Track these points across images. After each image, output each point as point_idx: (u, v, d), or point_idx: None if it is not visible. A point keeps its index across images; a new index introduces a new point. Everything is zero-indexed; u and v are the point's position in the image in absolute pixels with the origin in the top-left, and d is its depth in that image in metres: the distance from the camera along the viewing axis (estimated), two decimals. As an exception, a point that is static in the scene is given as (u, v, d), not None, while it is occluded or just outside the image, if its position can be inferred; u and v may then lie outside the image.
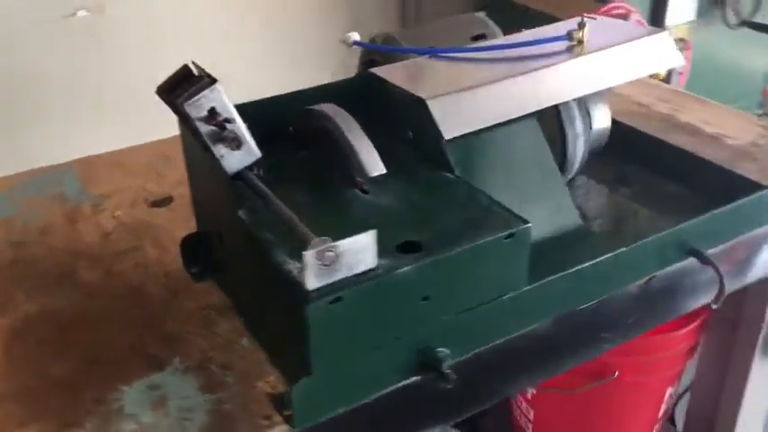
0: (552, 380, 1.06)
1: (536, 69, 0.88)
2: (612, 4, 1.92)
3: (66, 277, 0.89)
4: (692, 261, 0.87)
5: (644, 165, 1.05)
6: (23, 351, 0.78)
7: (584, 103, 0.96)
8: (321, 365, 0.65)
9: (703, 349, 1.35)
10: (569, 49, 0.93)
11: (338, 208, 0.78)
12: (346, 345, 0.66)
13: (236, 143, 0.74)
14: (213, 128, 0.73)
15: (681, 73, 2.10)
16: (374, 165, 0.77)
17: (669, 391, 1.46)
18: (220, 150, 0.74)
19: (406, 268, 0.66)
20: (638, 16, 1.96)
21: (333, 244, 0.62)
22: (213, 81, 0.73)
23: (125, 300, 0.85)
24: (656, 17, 2.16)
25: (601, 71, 0.91)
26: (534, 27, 1.00)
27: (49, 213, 1.02)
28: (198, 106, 0.72)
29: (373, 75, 0.90)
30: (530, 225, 0.72)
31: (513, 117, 0.85)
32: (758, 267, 1.00)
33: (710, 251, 0.88)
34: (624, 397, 1.41)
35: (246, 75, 1.75)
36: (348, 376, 0.68)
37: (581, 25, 0.93)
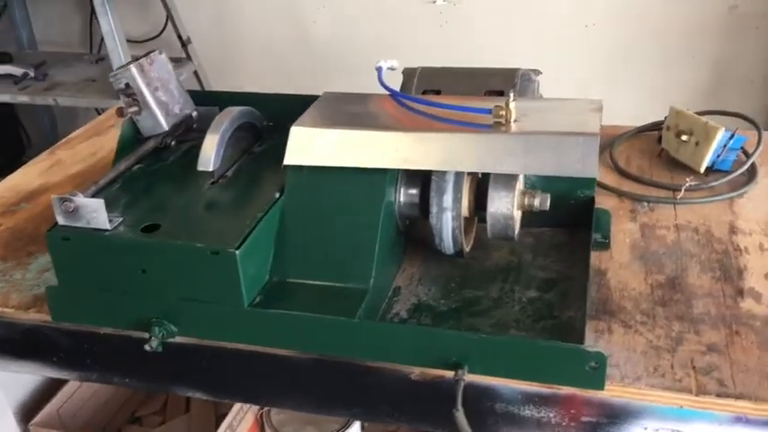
0: None
1: (425, 131, 0.88)
2: None
3: None
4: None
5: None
6: None
7: (474, 181, 0.89)
8: (64, 281, 0.88)
9: None
10: (488, 125, 0.88)
11: (178, 189, 0.95)
12: (80, 275, 0.87)
13: (140, 112, 0.98)
14: (127, 98, 0.98)
15: None
16: (205, 161, 0.92)
17: None
18: (134, 115, 0.99)
19: (124, 240, 0.83)
20: None
21: (70, 197, 0.84)
22: (134, 62, 0.97)
23: None
24: None
25: (489, 154, 0.85)
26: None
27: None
28: (116, 81, 0.98)
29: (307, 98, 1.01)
30: (234, 252, 0.80)
31: (363, 167, 0.87)
32: None
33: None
34: None
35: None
36: (88, 302, 0.89)
37: (506, 104, 0.87)
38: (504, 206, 0.89)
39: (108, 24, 2.15)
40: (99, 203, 0.84)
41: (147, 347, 0.86)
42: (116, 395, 1.51)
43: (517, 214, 0.94)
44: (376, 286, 0.87)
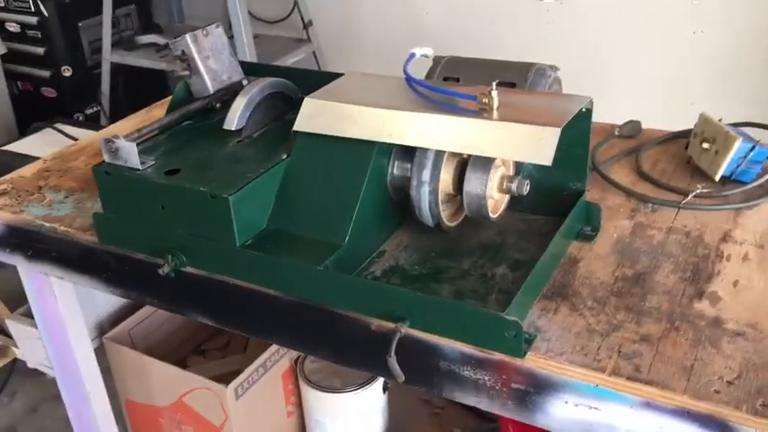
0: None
1: (411, 111, 0.97)
2: None
3: None
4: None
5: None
6: None
7: (460, 161, 0.97)
8: (107, 209, 1.07)
9: None
10: (474, 110, 0.96)
11: (209, 144, 1.10)
12: (118, 205, 1.05)
13: (191, 76, 1.15)
14: (182, 63, 1.15)
15: None
16: (230, 121, 1.07)
17: None
18: (186, 78, 1.16)
19: (148, 179, 1.00)
20: None
21: (113, 139, 1.01)
22: (190, 33, 1.14)
23: None
24: None
25: (464, 137, 0.93)
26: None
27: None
28: (174, 47, 1.14)
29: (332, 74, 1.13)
30: (228, 198, 0.94)
31: (359, 138, 0.98)
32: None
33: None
34: None
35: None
36: (124, 229, 1.06)
37: (489, 93, 0.94)
38: (479, 186, 0.97)
39: (234, 5, 2.37)
40: (132, 146, 1.00)
41: (160, 271, 1.02)
42: (184, 327, 1.71)
43: (499, 196, 1.01)
44: (353, 244, 0.97)
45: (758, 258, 0.99)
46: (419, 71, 1.18)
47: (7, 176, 1.35)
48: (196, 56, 1.14)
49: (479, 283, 0.97)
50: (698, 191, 1.13)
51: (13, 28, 2.87)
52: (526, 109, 0.97)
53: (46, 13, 2.76)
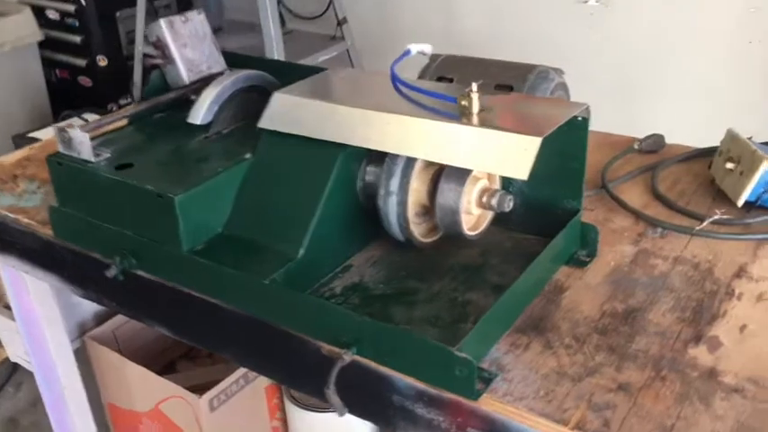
0: None
1: (385, 112, 0.87)
2: None
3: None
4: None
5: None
6: None
7: (437, 171, 0.86)
8: (60, 202, 1.00)
9: None
10: (455, 114, 0.85)
11: (174, 139, 1.02)
12: (71, 199, 0.98)
13: (166, 63, 1.07)
14: (157, 50, 1.07)
15: None
16: (195, 114, 0.99)
17: None
18: (162, 67, 1.08)
19: (97, 172, 0.93)
20: None
21: (66, 128, 0.94)
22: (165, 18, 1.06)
23: None
24: None
25: (434, 143, 0.82)
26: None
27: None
28: (150, 33, 1.07)
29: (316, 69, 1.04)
30: (173, 198, 0.85)
31: (325, 139, 0.89)
32: None
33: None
34: None
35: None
36: (77, 224, 0.99)
37: (468, 95, 0.83)
38: (452, 199, 0.86)
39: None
40: (84, 137, 0.93)
41: (108, 274, 0.95)
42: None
43: (479, 212, 0.90)
44: (311, 256, 0.88)
45: (775, 300, 0.85)
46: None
47: (-16, 164, 1.30)
48: (171, 43, 1.06)
49: (447, 308, 0.85)
50: (715, 217, 0.99)
51: (52, 15, 2.88)
52: (511, 115, 0.85)
53: (84, 2, 2.75)
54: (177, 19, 1.08)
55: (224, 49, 1.16)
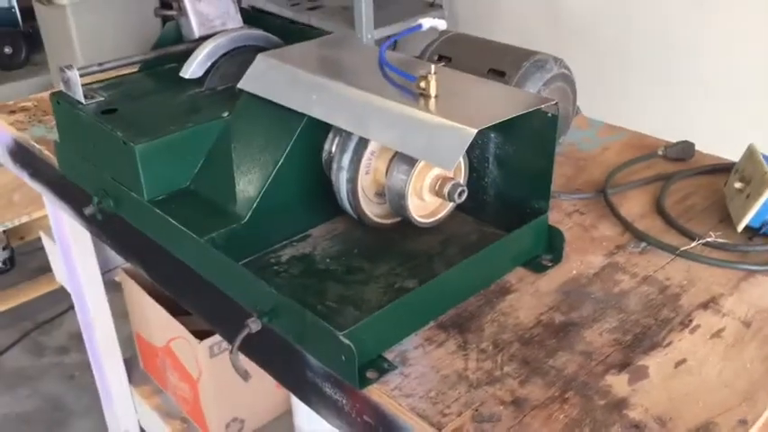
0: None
1: (349, 86, 0.85)
2: None
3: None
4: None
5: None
6: None
7: (393, 155, 0.83)
8: (62, 139, 1.05)
9: None
10: (411, 91, 0.82)
11: (168, 90, 1.05)
12: (68, 137, 1.03)
13: (181, 14, 1.09)
14: (173, 1, 1.10)
15: None
16: (186, 68, 1.01)
17: None
18: (177, 18, 1.11)
19: (80, 113, 0.97)
20: None
21: (64, 69, 0.99)
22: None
23: None
24: None
25: (379, 123, 0.79)
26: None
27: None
28: (167, -15, 1.09)
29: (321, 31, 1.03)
30: (134, 147, 0.88)
31: (294, 108, 0.88)
32: None
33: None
34: None
35: None
36: (73, 161, 1.05)
37: (426, 77, 0.80)
38: (399, 183, 0.83)
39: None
40: (76, 78, 0.97)
41: (86, 211, 0.99)
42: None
43: (432, 199, 0.87)
44: (260, 220, 0.88)
45: (734, 339, 0.77)
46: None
47: (38, 95, 1.39)
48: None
49: (378, 293, 0.83)
50: (708, 239, 0.90)
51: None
52: (463, 102, 0.81)
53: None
54: (196, -28, 1.10)
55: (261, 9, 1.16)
